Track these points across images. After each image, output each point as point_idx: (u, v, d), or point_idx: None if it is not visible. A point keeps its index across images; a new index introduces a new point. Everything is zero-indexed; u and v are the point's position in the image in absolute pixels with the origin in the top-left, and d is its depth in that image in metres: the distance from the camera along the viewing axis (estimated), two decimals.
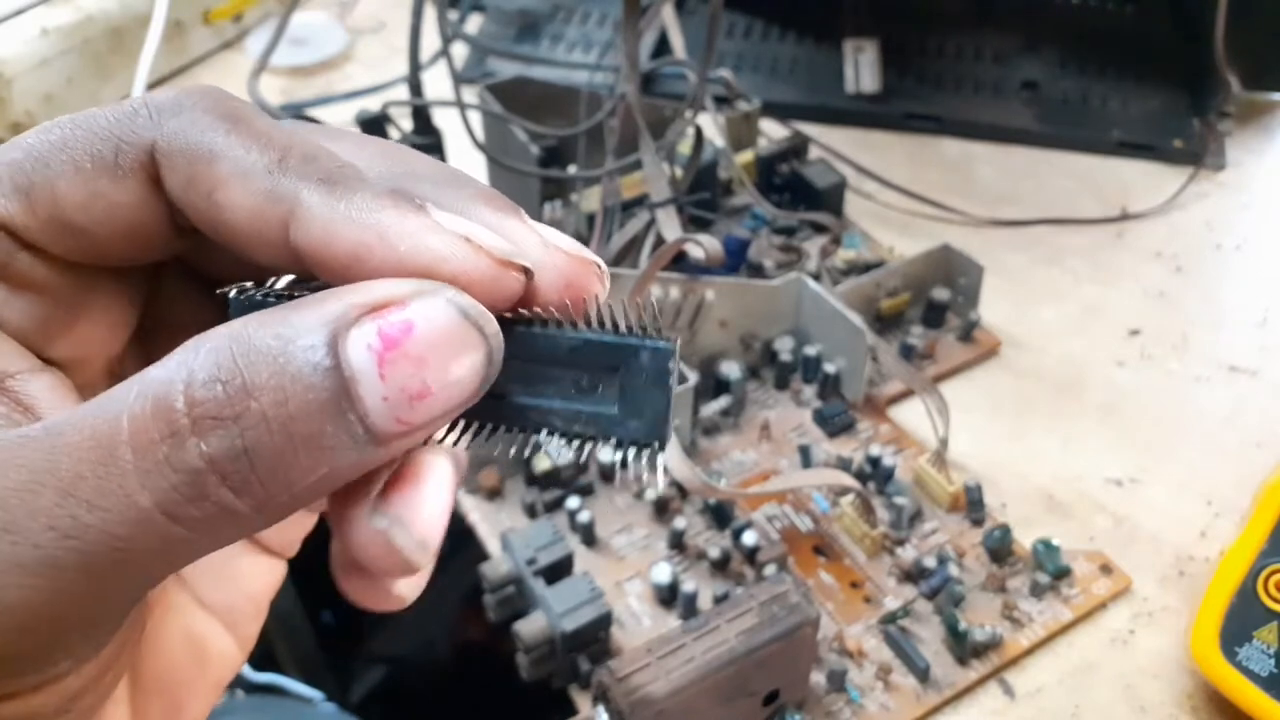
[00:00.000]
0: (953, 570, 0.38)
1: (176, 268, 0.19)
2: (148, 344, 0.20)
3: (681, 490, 0.41)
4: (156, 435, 0.14)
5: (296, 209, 0.15)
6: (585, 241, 0.47)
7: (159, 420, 0.14)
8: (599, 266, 0.17)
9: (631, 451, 0.16)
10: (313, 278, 0.16)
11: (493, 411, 0.16)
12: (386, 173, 0.17)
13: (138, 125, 0.16)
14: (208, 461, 0.14)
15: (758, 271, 0.50)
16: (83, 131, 0.16)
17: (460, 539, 0.43)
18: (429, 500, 0.16)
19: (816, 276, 0.48)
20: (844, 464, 0.42)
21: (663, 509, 0.41)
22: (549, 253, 0.16)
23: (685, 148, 0.49)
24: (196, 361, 0.14)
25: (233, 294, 0.17)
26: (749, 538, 0.39)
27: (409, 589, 0.19)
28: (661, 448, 0.16)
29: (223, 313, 0.19)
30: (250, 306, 0.16)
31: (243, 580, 0.21)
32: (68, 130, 0.16)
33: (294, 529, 0.22)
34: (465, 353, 0.15)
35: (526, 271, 0.16)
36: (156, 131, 0.16)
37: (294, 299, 0.15)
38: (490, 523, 0.41)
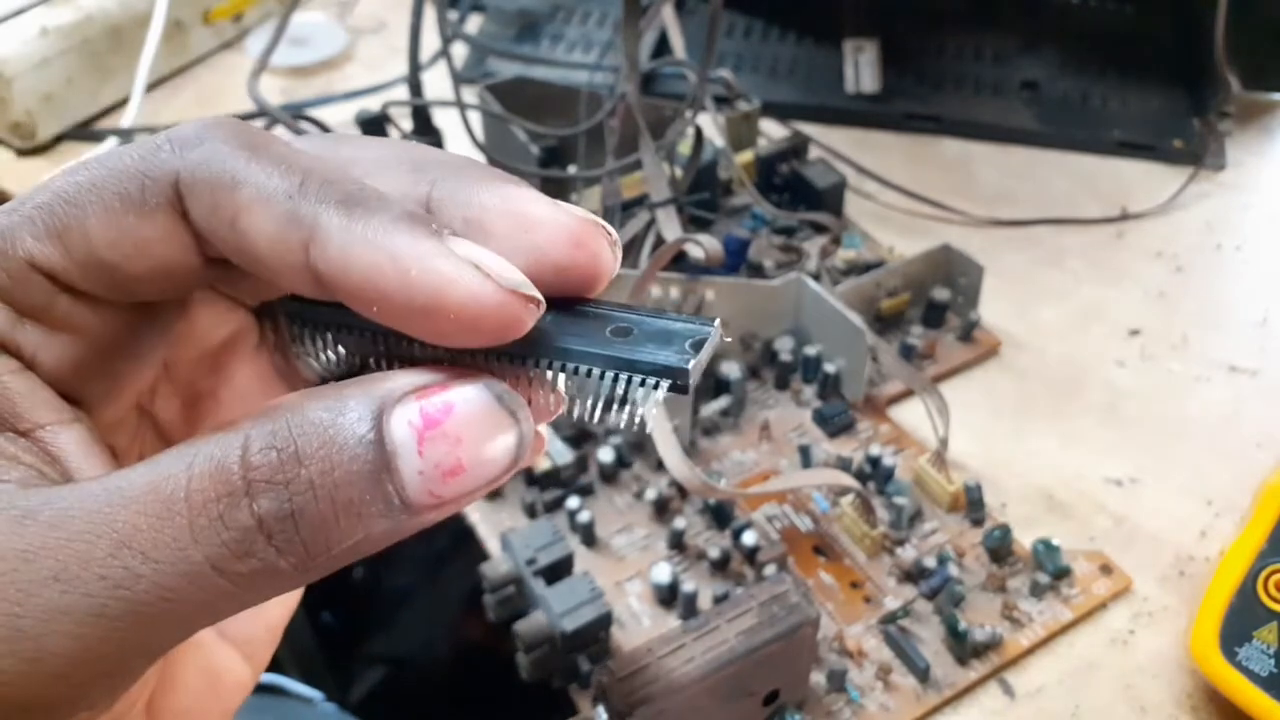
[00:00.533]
0: (953, 570, 0.38)
1: (204, 299, 0.20)
2: (177, 372, 0.20)
3: (681, 490, 0.41)
4: (214, 494, 0.15)
5: (316, 232, 0.15)
6: None
7: (217, 480, 0.15)
8: (609, 232, 0.17)
9: (651, 380, 0.16)
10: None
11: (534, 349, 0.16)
12: (405, 188, 0.17)
13: (160, 159, 0.16)
14: (258, 521, 0.15)
15: (758, 271, 0.50)
16: (108, 171, 0.16)
17: (460, 539, 0.43)
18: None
19: (816, 276, 0.48)
20: (844, 464, 0.42)
21: (663, 509, 0.41)
22: (557, 212, 0.17)
23: (685, 148, 0.49)
24: (254, 431, 0.15)
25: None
26: (749, 538, 0.39)
27: (545, 430, 0.19)
28: (682, 388, 0.16)
29: (252, 335, 0.21)
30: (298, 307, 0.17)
31: (263, 611, 0.22)
32: (94, 171, 0.17)
33: None
34: (498, 435, 0.16)
35: (536, 302, 0.16)
36: (179, 163, 0.16)
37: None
38: (490, 523, 0.41)
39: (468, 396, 0.15)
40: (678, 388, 0.16)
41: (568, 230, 0.16)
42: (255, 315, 0.21)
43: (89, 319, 0.17)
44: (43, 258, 0.16)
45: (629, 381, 0.16)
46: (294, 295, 0.18)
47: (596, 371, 0.16)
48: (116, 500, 0.15)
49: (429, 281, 0.15)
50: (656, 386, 0.16)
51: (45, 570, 0.14)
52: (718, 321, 0.17)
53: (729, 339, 0.45)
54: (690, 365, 0.16)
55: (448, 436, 0.15)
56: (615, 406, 0.16)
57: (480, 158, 0.50)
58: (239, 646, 0.21)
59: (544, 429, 0.19)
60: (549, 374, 0.16)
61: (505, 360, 0.16)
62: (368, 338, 0.17)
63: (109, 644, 0.15)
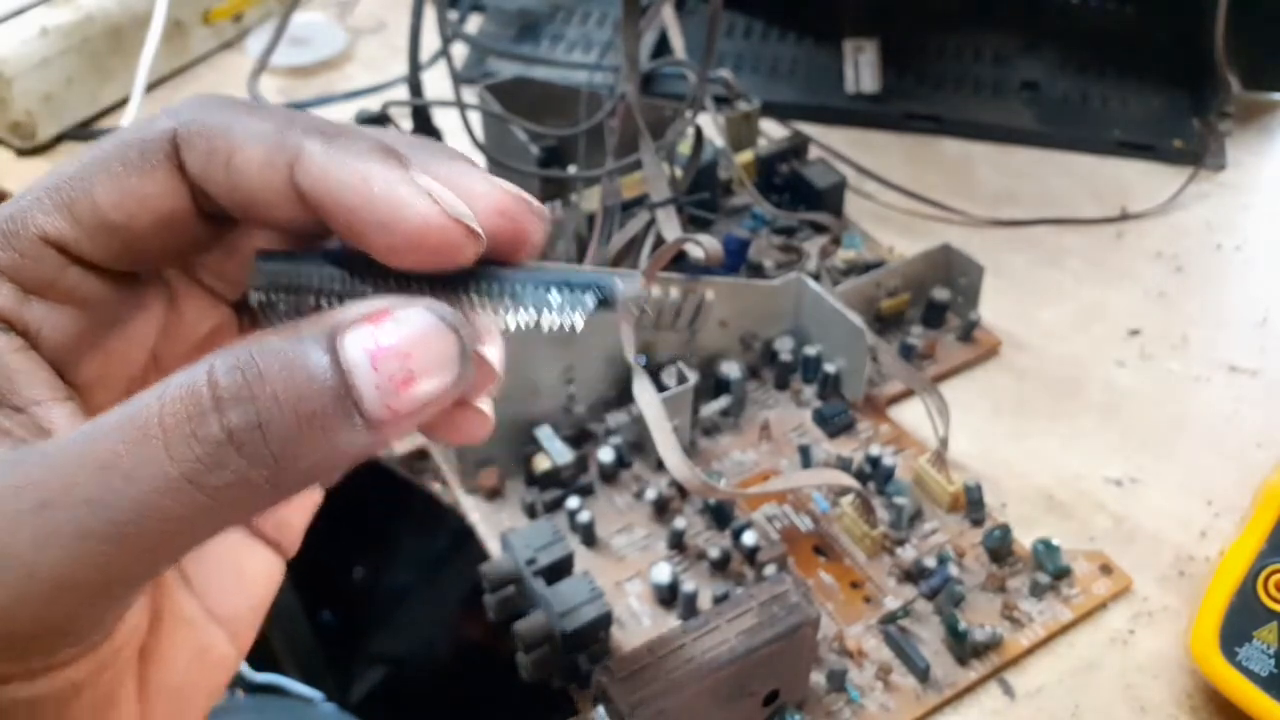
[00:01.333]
0: (953, 570, 0.38)
1: (190, 293, 0.22)
2: (164, 364, 0.22)
3: (681, 490, 0.41)
4: (185, 414, 0.16)
5: (300, 155, 0.18)
6: (585, 242, 0.47)
7: (187, 402, 0.16)
8: (532, 204, 0.19)
9: (579, 290, 0.18)
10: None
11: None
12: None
13: (157, 123, 0.19)
14: (228, 434, 0.16)
15: (758, 271, 0.50)
16: (111, 145, 0.19)
17: (460, 539, 0.43)
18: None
19: (816, 276, 0.48)
20: (844, 464, 0.42)
21: (663, 509, 0.41)
22: (490, 187, 0.19)
23: (685, 148, 0.49)
24: (218, 359, 0.16)
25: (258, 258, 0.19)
26: (749, 538, 0.39)
27: (489, 405, 0.21)
28: (609, 302, 0.18)
29: (233, 329, 0.22)
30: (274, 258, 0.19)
31: (248, 589, 0.23)
32: (98, 149, 0.19)
33: (295, 518, 0.24)
34: (443, 348, 0.17)
35: (475, 234, 0.18)
36: (175, 121, 0.18)
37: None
38: (490, 523, 0.41)
39: (412, 316, 0.17)
40: (605, 301, 0.18)
41: (496, 202, 0.19)
42: (235, 310, 0.22)
43: (93, 288, 0.19)
44: (54, 230, 0.18)
45: (560, 289, 0.18)
46: (264, 253, 0.20)
47: (530, 286, 0.18)
48: (98, 434, 0.16)
49: (389, 199, 0.17)
50: (585, 292, 0.18)
51: (34, 499, 0.16)
52: (640, 272, 0.18)
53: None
54: (617, 283, 0.18)
55: (397, 352, 0.17)
56: (547, 311, 0.18)
57: (480, 158, 0.50)
58: (225, 625, 0.22)
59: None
60: (489, 299, 0.18)
61: (449, 291, 0.18)
62: (328, 276, 0.19)
63: (94, 565, 0.16)
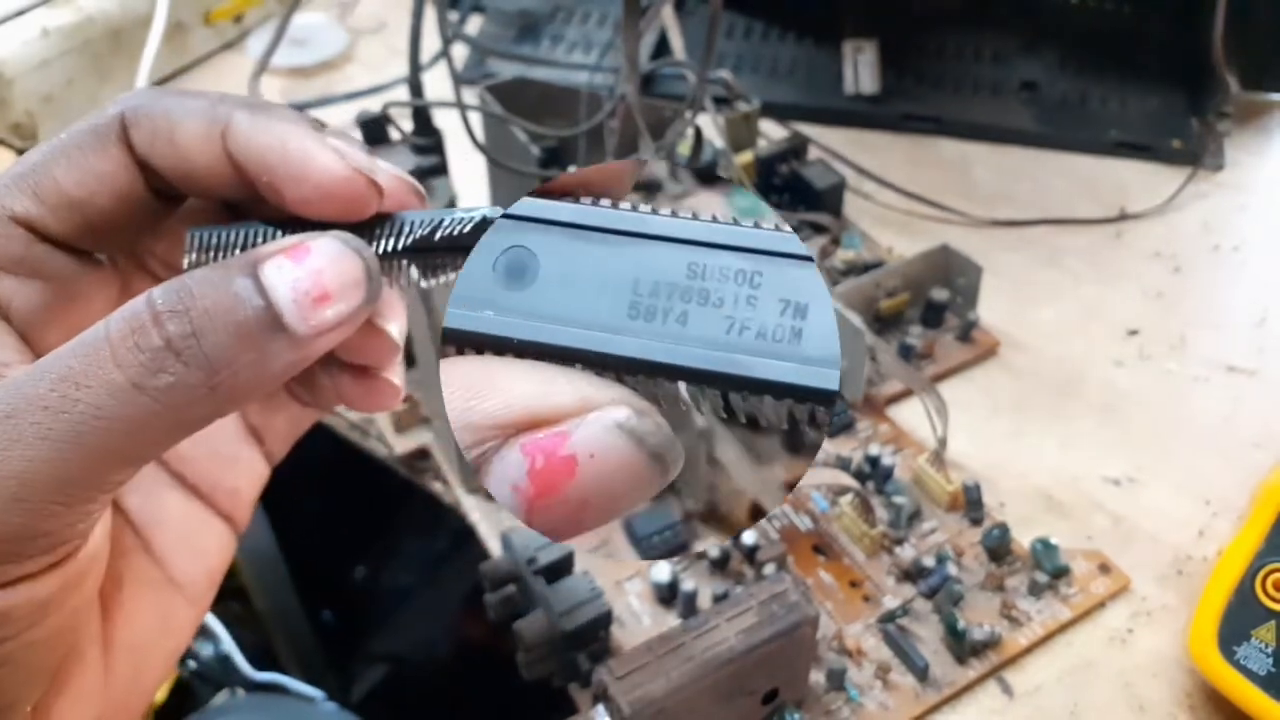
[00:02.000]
0: (951, 569, 0.38)
1: (140, 281, 0.23)
2: None
3: None
4: (129, 329, 0.18)
5: (230, 124, 0.20)
6: None
7: (131, 322, 0.18)
8: (376, 182, 0.21)
9: (465, 217, 0.20)
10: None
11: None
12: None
13: (107, 111, 0.21)
14: (165, 341, 0.18)
15: None
16: (67, 134, 0.21)
17: (460, 539, 0.43)
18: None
19: None
20: (843, 463, 0.42)
21: None
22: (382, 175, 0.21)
23: (685, 148, 0.49)
24: (156, 289, 0.19)
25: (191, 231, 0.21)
26: (748, 537, 0.39)
27: (398, 378, 0.23)
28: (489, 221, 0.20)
29: None
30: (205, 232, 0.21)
31: (204, 557, 0.25)
32: (56, 140, 0.21)
33: (245, 491, 0.25)
34: (350, 268, 0.19)
35: (377, 187, 0.20)
36: (123, 107, 0.21)
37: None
38: (490, 522, 0.41)
39: (321, 243, 0.19)
40: (485, 222, 0.20)
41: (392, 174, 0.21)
42: None
43: (58, 265, 0.21)
44: (22, 210, 0.20)
45: (451, 221, 0.20)
46: (196, 227, 0.21)
47: (418, 219, 0.21)
48: (52, 357, 0.18)
49: (302, 153, 0.20)
50: (468, 223, 0.20)
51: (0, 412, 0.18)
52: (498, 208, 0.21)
53: None
54: (497, 209, 0.20)
55: (310, 271, 0.19)
56: (440, 231, 0.20)
57: (481, 159, 0.50)
58: (183, 590, 0.24)
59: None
60: (391, 237, 0.21)
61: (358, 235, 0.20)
62: (252, 233, 0.21)
63: (54, 465, 0.18)
